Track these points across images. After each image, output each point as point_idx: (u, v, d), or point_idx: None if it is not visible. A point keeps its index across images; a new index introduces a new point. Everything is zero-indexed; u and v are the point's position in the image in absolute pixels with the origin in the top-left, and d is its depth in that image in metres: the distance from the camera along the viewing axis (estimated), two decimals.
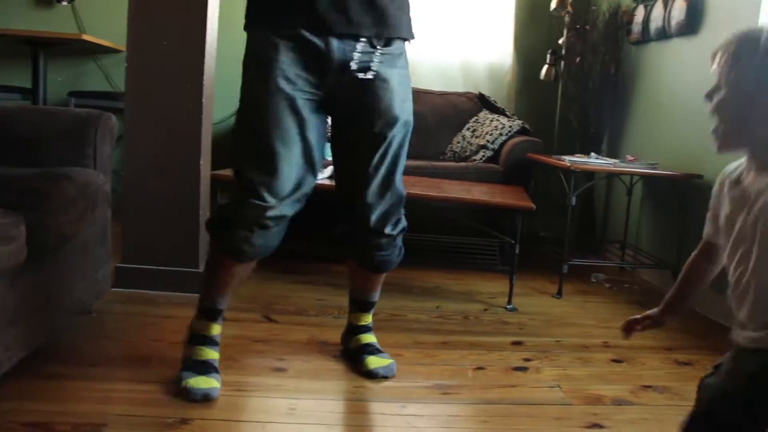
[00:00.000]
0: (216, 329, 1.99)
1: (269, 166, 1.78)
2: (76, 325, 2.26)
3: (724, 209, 1.21)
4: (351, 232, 2.06)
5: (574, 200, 3.15)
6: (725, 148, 1.18)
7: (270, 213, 1.80)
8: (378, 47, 1.84)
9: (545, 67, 4.26)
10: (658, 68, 3.72)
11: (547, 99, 4.35)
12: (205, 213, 2.74)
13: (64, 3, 4.14)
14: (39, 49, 3.84)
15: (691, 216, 3.20)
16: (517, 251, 2.90)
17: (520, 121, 4.05)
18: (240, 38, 1.89)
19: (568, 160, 3.24)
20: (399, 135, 1.92)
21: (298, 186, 1.85)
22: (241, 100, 1.86)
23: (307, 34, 1.78)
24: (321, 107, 1.87)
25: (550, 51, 4.23)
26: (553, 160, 3.41)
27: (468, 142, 4.07)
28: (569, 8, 4.09)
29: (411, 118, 1.95)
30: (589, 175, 3.56)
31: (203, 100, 2.62)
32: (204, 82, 2.61)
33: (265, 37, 1.81)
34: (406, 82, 1.93)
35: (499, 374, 2.20)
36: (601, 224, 4.25)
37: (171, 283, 2.67)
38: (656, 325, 1.44)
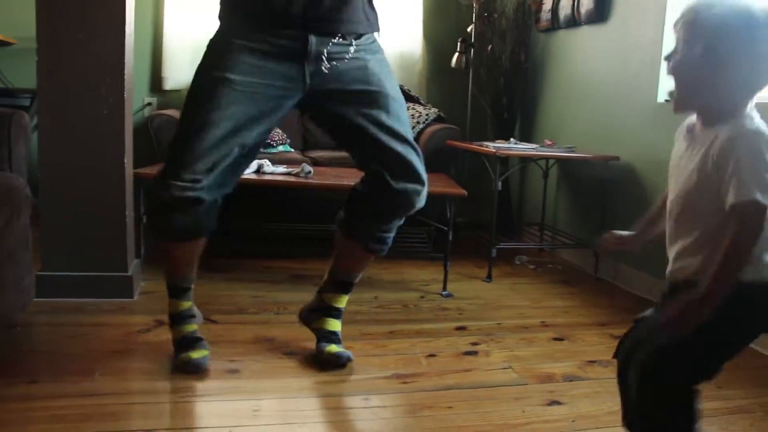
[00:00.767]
0: (185, 305, 2.07)
1: (190, 149, 1.79)
2: (1, 340, 2.10)
3: (676, 153, 1.33)
4: (359, 212, 2.04)
5: (500, 185, 3.22)
6: (680, 109, 1.29)
7: (183, 194, 1.80)
8: (352, 41, 1.88)
9: (456, 55, 4.30)
10: (568, 55, 3.85)
11: (459, 87, 4.41)
12: (131, 213, 2.60)
13: None
14: None
15: (609, 196, 3.34)
16: (450, 238, 2.93)
17: (435, 109, 4.10)
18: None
19: (492, 146, 3.31)
20: (394, 105, 1.94)
21: (216, 170, 1.83)
22: (193, 83, 1.87)
23: (280, 31, 1.81)
24: (282, 104, 1.88)
25: (460, 39, 4.29)
26: (476, 146, 3.47)
27: None
28: None
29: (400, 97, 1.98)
30: (505, 160, 3.64)
31: (125, 94, 2.48)
32: (125, 76, 2.47)
33: (234, 28, 1.84)
34: (385, 65, 1.99)
35: (451, 360, 2.21)
36: (517, 208, 4.37)
37: (99, 289, 2.52)
38: (627, 245, 1.56)
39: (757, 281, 1.19)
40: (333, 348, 2.09)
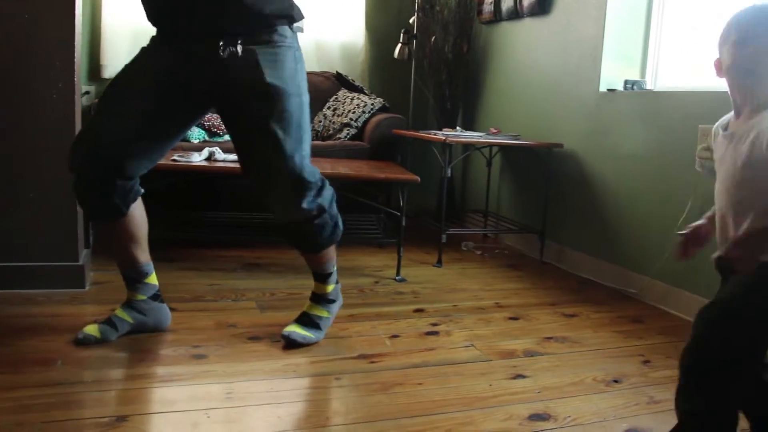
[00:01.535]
0: (139, 296, 2.13)
1: (91, 131, 1.92)
2: None
3: (717, 152, 1.39)
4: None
5: (449, 172, 3.27)
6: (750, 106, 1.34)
7: (82, 175, 1.91)
8: (240, 40, 1.87)
9: (399, 46, 4.33)
10: (511, 46, 3.95)
11: (401, 77, 4.45)
12: None
13: None
14: None
15: (553, 182, 3.45)
16: (403, 224, 2.97)
17: (380, 99, 4.12)
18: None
19: (441, 134, 3.36)
20: (276, 109, 1.90)
21: (118, 157, 1.90)
22: None
23: (176, 36, 1.90)
24: (194, 99, 1.96)
25: (403, 30, 4.32)
26: (425, 134, 3.51)
27: (330, 121, 4.07)
28: None
29: (291, 92, 1.92)
30: (449, 149, 3.70)
31: (75, 78, 2.41)
32: (75, 59, 2.40)
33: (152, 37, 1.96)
34: (285, 59, 1.92)
35: (415, 340, 2.25)
36: (460, 196, 4.45)
37: (49, 279, 2.44)
38: (705, 236, 1.49)
39: None
40: (290, 326, 2.14)
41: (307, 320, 2.17)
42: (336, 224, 2.09)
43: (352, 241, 3.39)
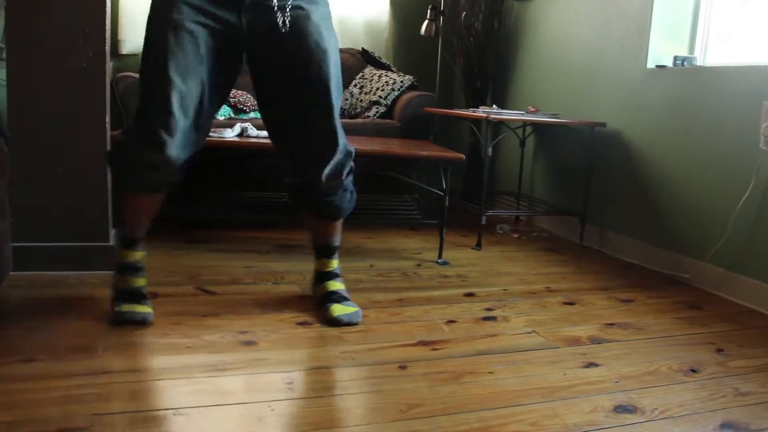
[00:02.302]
0: (137, 255, 2.00)
1: (165, 104, 1.73)
2: None
3: None
4: (298, 182, 2.01)
5: (490, 151, 3.13)
6: None
7: (164, 152, 1.75)
8: None
9: (425, 22, 4.17)
10: (546, 22, 3.79)
11: (427, 54, 4.30)
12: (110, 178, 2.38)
13: None
14: None
15: (595, 163, 3.30)
16: (446, 204, 2.82)
17: (409, 77, 3.97)
18: None
19: (482, 111, 3.21)
20: (330, 70, 1.86)
21: (194, 127, 1.81)
22: (145, 39, 1.81)
23: None
24: (232, 52, 1.84)
25: (430, 6, 4.16)
26: (462, 112, 3.36)
27: (357, 99, 3.92)
28: None
29: (338, 57, 1.91)
30: (489, 124, 3.56)
31: (106, 47, 2.25)
32: (106, 26, 2.24)
33: None
34: (325, 17, 1.90)
35: (472, 325, 2.11)
36: (488, 176, 4.29)
37: (80, 260, 2.30)
38: None
39: None
40: (335, 309, 2.04)
41: (340, 297, 2.09)
42: (353, 193, 2.06)
43: (391, 222, 3.25)
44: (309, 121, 1.87)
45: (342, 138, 1.92)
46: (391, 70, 4.05)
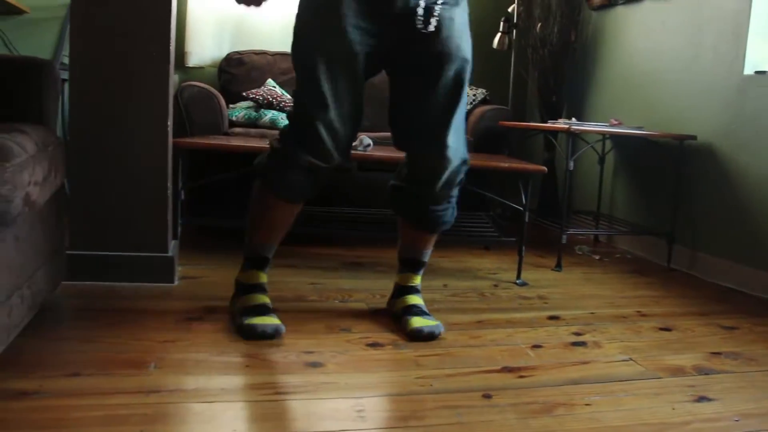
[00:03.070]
0: (264, 277, 1.94)
1: (323, 104, 1.70)
2: (29, 325, 1.73)
3: None
4: (404, 188, 1.92)
5: (572, 164, 2.90)
6: None
7: (323, 157, 1.75)
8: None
9: (498, 35, 4.00)
10: (627, 32, 3.56)
11: (498, 67, 4.11)
12: (171, 186, 2.26)
13: None
14: None
15: (684, 180, 3.04)
16: (526, 219, 2.61)
17: (482, 90, 3.79)
18: None
19: (563, 122, 2.99)
20: (467, 77, 1.81)
21: (351, 134, 1.80)
22: (299, 41, 1.77)
23: None
24: (374, 63, 1.79)
25: (503, 19, 3.98)
26: (540, 125, 3.15)
27: None
28: None
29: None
30: (572, 136, 3.33)
31: (170, 46, 2.14)
32: (171, 24, 2.13)
33: None
34: (466, 23, 1.84)
35: (561, 351, 1.89)
36: (562, 195, 4.05)
37: (135, 272, 2.18)
38: None
39: None
40: (416, 321, 1.92)
41: (420, 311, 1.96)
42: (454, 209, 1.98)
43: (466, 239, 3.04)
44: (435, 124, 1.80)
45: (463, 145, 1.87)
46: None
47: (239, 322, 1.83)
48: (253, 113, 3.35)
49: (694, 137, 2.98)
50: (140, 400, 1.40)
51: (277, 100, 3.38)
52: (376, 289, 2.35)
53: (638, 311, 2.35)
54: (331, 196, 3.14)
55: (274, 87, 3.53)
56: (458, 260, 2.95)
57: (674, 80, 3.18)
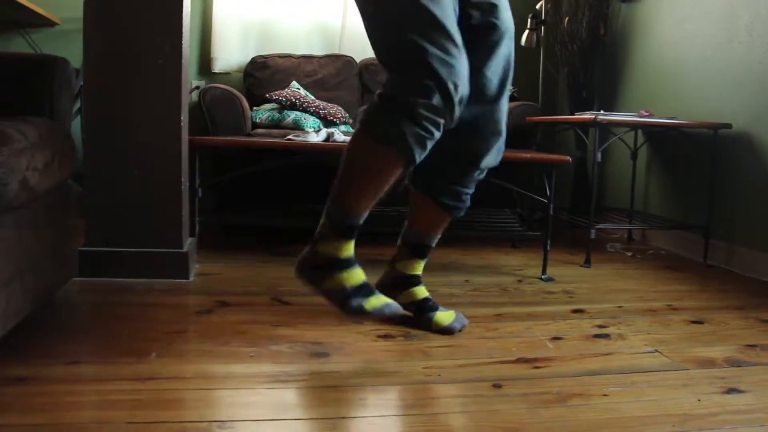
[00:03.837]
0: (352, 249, 1.65)
1: (453, 58, 1.51)
2: (35, 317, 1.72)
3: None
4: (438, 167, 1.77)
5: (599, 156, 2.80)
6: None
7: (447, 103, 1.51)
8: None
9: (526, 32, 3.91)
10: (658, 22, 3.44)
11: (526, 64, 4.02)
12: (187, 182, 2.24)
13: None
14: None
15: (719, 172, 2.91)
16: (551, 212, 2.52)
17: (510, 87, 3.70)
18: None
19: (589, 113, 2.90)
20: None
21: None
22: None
23: None
24: None
25: (530, 15, 3.90)
26: (566, 117, 3.07)
27: None
28: None
29: None
30: (597, 126, 3.23)
31: (183, 42, 2.13)
32: (183, 19, 2.12)
33: None
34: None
35: (582, 343, 1.80)
36: (596, 189, 3.93)
37: (150, 268, 2.16)
38: None
39: None
40: (441, 316, 1.85)
41: (435, 305, 1.87)
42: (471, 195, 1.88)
43: (491, 234, 2.97)
44: (489, 97, 1.76)
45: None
46: None
47: (356, 304, 1.59)
48: (277, 114, 3.34)
49: (729, 126, 2.86)
50: (134, 386, 1.37)
51: (300, 100, 3.36)
52: None
53: (669, 305, 2.24)
54: None
55: (298, 89, 3.51)
56: (483, 257, 2.87)
57: (707, 68, 3.06)
